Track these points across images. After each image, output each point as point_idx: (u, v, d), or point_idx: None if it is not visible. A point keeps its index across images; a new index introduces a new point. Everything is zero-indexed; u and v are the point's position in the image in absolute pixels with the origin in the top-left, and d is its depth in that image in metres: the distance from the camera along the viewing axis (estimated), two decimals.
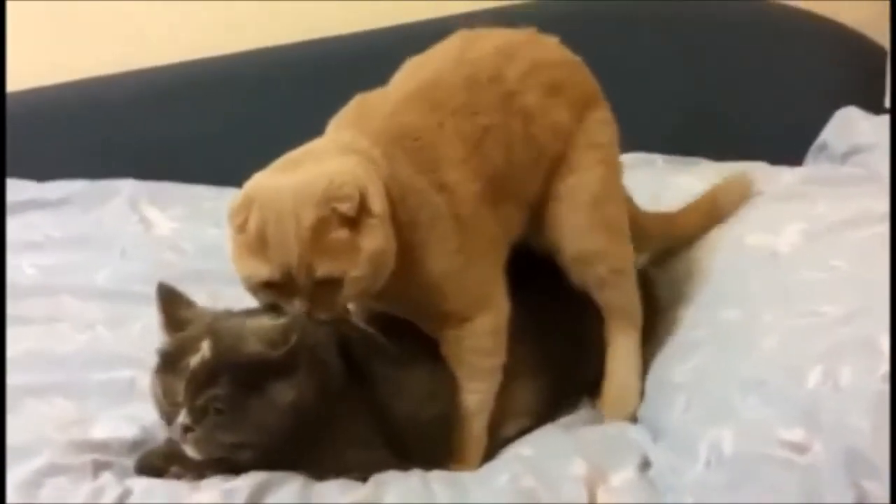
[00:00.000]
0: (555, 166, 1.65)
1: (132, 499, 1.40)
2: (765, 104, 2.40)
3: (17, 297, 1.98)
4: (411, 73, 1.64)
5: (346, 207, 1.40)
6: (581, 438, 1.59)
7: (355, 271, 1.42)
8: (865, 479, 1.22)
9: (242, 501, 1.37)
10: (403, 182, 1.50)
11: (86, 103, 2.51)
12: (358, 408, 1.48)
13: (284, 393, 1.39)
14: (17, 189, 2.37)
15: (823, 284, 1.55)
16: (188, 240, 2.23)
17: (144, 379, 1.63)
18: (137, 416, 1.58)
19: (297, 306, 1.42)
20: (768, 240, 1.72)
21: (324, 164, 1.46)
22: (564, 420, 1.68)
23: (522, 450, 1.57)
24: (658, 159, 2.25)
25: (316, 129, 1.58)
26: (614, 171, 1.71)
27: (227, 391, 1.37)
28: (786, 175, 2.01)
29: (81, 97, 2.52)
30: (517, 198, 1.61)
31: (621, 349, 1.72)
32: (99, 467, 1.48)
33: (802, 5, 2.48)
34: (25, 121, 2.45)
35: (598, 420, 1.69)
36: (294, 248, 1.40)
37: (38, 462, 1.46)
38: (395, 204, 1.47)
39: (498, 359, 1.59)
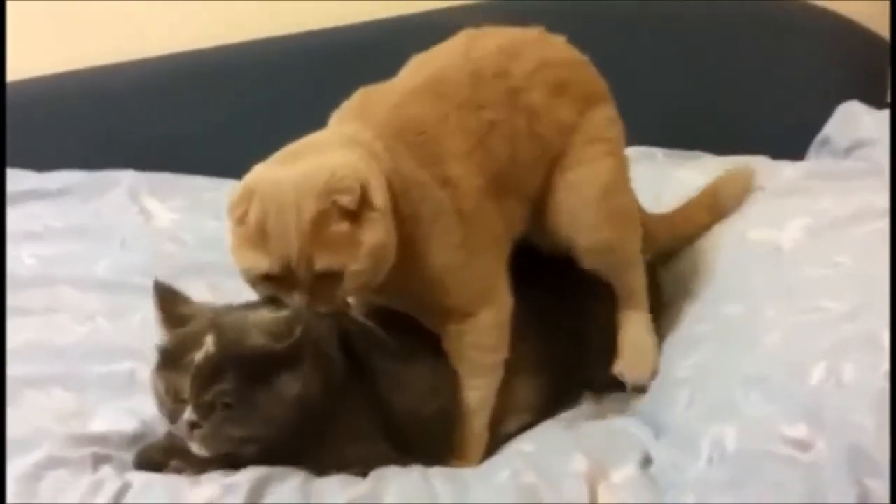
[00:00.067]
0: (557, 160, 1.64)
1: (131, 493, 1.39)
2: (766, 99, 2.40)
3: (16, 288, 1.97)
4: (417, 68, 1.63)
5: (347, 200, 1.40)
6: (582, 434, 1.58)
7: (355, 265, 1.41)
8: (868, 477, 1.22)
9: (243, 496, 1.37)
10: (406, 175, 1.49)
11: (86, 93, 2.51)
12: (359, 402, 1.47)
13: (291, 385, 1.39)
14: (17, 179, 2.37)
15: (826, 280, 1.55)
16: (188, 231, 2.22)
17: (144, 371, 1.63)
18: (137, 409, 1.57)
19: (296, 299, 1.42)
20: (771, 235, 1.72)
21: (325, 157, 1.45)
22: (565, 416, 1.67)
23: (523, 446, 1.57)
24: (658, 153, 2.25)
25: (316, 121, 1.58)
26: (622, 163, 1.71)
27: (234, 385, 1.36)
28: (788, 169, 2.00)
29: (81, 87, 2.52)
30: (519, 193, 1.61)
31: (633, 320, 1.72)
32: (98, 461, 1.47)
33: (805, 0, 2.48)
34: (25, 111, 2.45)
35: (600, 416, 1.68)
36: (294, 241, 1.39)
37: (38, 455, 1.46)
38: (398, 197, 1.47)
39: (500, 355, 1.59)
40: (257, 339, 1.38)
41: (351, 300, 1.56)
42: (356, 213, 1.41)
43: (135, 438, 1.53)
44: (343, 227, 1.41)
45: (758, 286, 1.63)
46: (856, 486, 1.22)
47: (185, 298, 1.46)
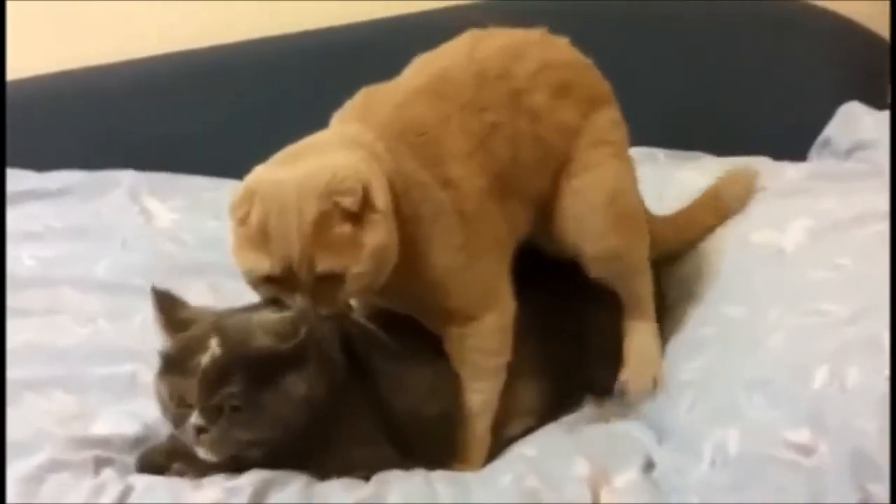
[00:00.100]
0: (563, 165, 1.63)
1: (133, 496, 1.39)
2: (767, 100, 2.40)
3: (16, 289, 1.97)
4: (420, 68, 1.63)
5: (348, 202, 1.40)
6: (584, 438, 1.58)
7: (357, 267, 1.41)
8: (871, 481, 1.22)
9: (245, 499, 1.36)
10: (408, 176, 1.49)
11: (86, 93, 2.50)
12: (361, 405, 1.47)
13: (298, 386, 1.38)
14: (17, 179, 2.36)
15: (829, 283, 1.55)
16: (189, 231, 2.21)
17: (146, 374, 1.63)
18: (139, 411, 1.57)
19: (298, 301, 1.41)
20: (774, 237, 1.72)
21: (327, 158, 1.45)
22: (567, 419, 1.67)
23: (526, 450, 1.57)
24: (660, 154, 2.25)
25: (317, 121, 1.57)
26: (627, 166, 1.71)
27: (241, 388, 1.35)
28: (790, 171, 2.00)
29: (81, 87, 2.51)
30: (523, 196, 1.60)
31: (637, 330, 1.72)
32: (100, 464, 1.47)
33: (807, 0, 2.47)
34: (25, 110, 2.45)
35: (602, 419, 1.68)
36: (295, 243, 1.39)
37: (40, 458, 1.45)
38: (399, 198, 1.47)
39: (502, 358, 1.59)
40: (263, 340, 1.38)
41: (353, 302, 1.56)
42: (358, 215, 1.41)
43: (137, 441, 1.53)
44: (345, 228, 1.41)
45: (760, 289, 1.63)
46: (858, 491, 1.22)
47: (183, 303, 1.45)
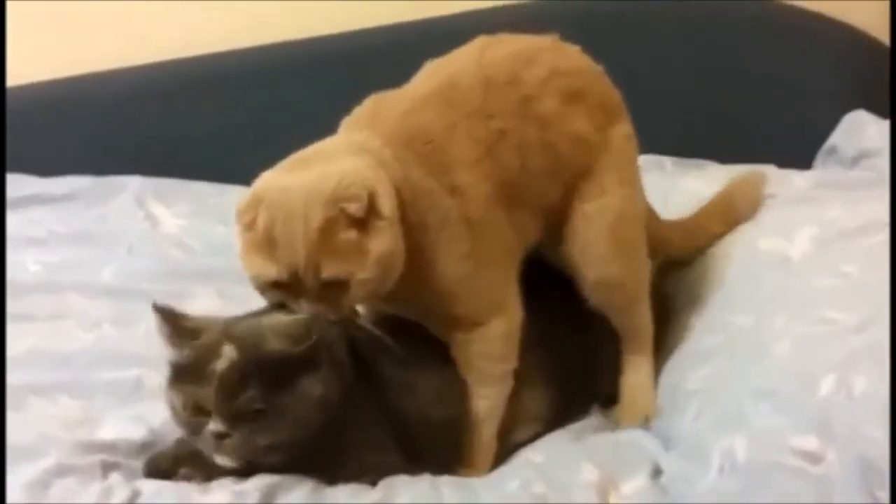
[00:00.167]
0: (579, 182, 1.63)
1: (141, 500, 1.39)
2: (772, 107, 2.39)
3: (21, 294, 1.97)
4: (429, 74, 1.62)
5: (354, 208, 1.40)
6: (592, 445, 1.58)
7: (362, 273, 1.41)
8: (880, 489, 1.21)
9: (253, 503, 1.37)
10: (415, 184, 1.49)
11: (91, 98, 2.50)
12: (368, 410, 1.47)
13: (314, 386, 1.38)
14: (22, 184, 2.35)
15: (835, 291, 1.55)
16: (195, 237, 2.21)
17: (151, 378, 1.64)
18: (145, 416, 1.57)
19: (304, 307, 1.42)
20: (781, 244, 1.72)
21: (333, 164, 1.45)
22: (574, 427, 1.67)
23: (533, 456, 1.57)
24: (667, 162, 2.25)
25: (324, 127, 1.57)
26: (635, 189, 1.70)
27: (260, 391, 1.35)
28: (797, 179, 2.00)
29: (87, 92, 2.51)
30: (532, 205, 1.60)
31: (635, 366, 1.72)
32: (107, 468, 1.47)
33: (811, 6, 2.47)
34: (29, 115, 2.45)
35: (608, 428, 1.68)
36: (301, 249, 1.39)
37: (46, 462, 1.46)
38: (406, 206, 1.47)
39: (508, 365, 1.58)
40: (276, 344, 1.38)
41: (360, 308, 1.56)
42: (364, 222, 1.41)
43: (143, 446, 1.53)
44: (350, 235, 1.41)
45: (767, 296, 1.63)
46: (867, 498, 1.21)
47: (185, 315, 1.44)
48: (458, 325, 1.55)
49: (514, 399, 1.60)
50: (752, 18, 2.47)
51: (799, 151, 2.25)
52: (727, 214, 1.87)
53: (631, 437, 1.60)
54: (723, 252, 1.81)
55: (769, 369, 1.46)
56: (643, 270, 1.71)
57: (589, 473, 1.46)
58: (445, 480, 1.48)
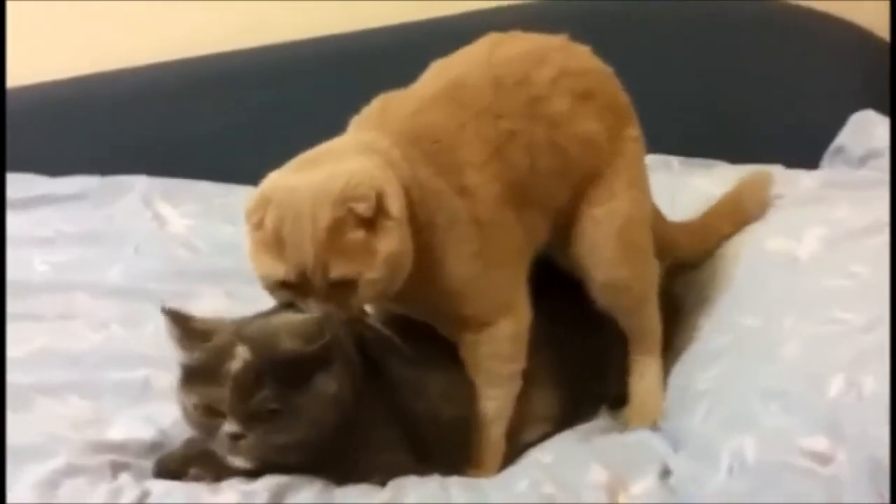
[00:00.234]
0: (588, 186, 1.63)
1: (151, 500, 1.40)
2: (780, 107, 2.39)
3: (29, 294, 1.98)
4: (438, 73, 1.62)
5: (362, 208, 1.40)
6: (601, 446, 1.58)
7: (370, 273, 1.41)
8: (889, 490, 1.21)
9: (262, 503, 1.37)
10: (423, 184, 1.49)
11: (98, 98, 2.50)
12: (377, 409, 1.47)
13: (328, 385, 1.38)
14: (30, 184, 2.36)
15: (843, 291, 1.55)
16: (202, 237, 2.21)
17: (160, 379, 1.65)
18: (153, 416, 1.58)
19: (311, 306, 1.42)
20: (789, 245, 1.72)
21: (342, 164, 1.45)
22: (583, 427, 1.67)
23: (542, 456, 1.57)
24: (674, 161, 2.24)
25: (327, 126, 1.57)
26: (643, 191, 1.70)
27: (275, 391, 1.35)
28: (804, 179, 2.00)
29: (94, 92, 2.51)
30: (542, 205, 1.60)
31: (644, 367, 1.71)
32: (117, 468, 1.47)
33: (818, 6, 2.47)
34: (36, 115, 2.46)
35: (617, 429, 1.68)
36: (309, 249, 1.39)
37: (56, 462, 1.46)
38: (415, 206, 1.47)
39: (517, 365, 1.58)
40: (290, 343, 1.38)
41: (369, 308, 1.56)
42: (372, 221, 1.41)
43: (153, 446, 1.53)
44: (358, 234, 1.41)
45: (775, 297, 1.63)
46: (877, 498, 1.21)
47: (194, 317, 1.43)
48: (466, 325, 1.55)
49: (522, 399, 1.60)
50: (759, 18, 2.47)
51: (806, 151, 2.25)
52: (735, 215, 1.86)
53: (639, 438, 1.60)
54: (731, 253, 1.81)
55: (778, 370, 1.46)
56: (651, 272, 1.71)
57: (598, 474, 1.46)
58: (454, 481, 1.48)
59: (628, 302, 1.69)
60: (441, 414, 1.53)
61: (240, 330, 1.40)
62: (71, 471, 1.45)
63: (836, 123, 2.27)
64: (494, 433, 1.58)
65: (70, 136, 2.48)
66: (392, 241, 1.42)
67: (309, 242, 1.39)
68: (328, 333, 1.37)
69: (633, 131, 1.69)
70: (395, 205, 1.42)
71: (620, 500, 1.42)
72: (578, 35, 1.69)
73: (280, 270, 1.41)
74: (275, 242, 1.41)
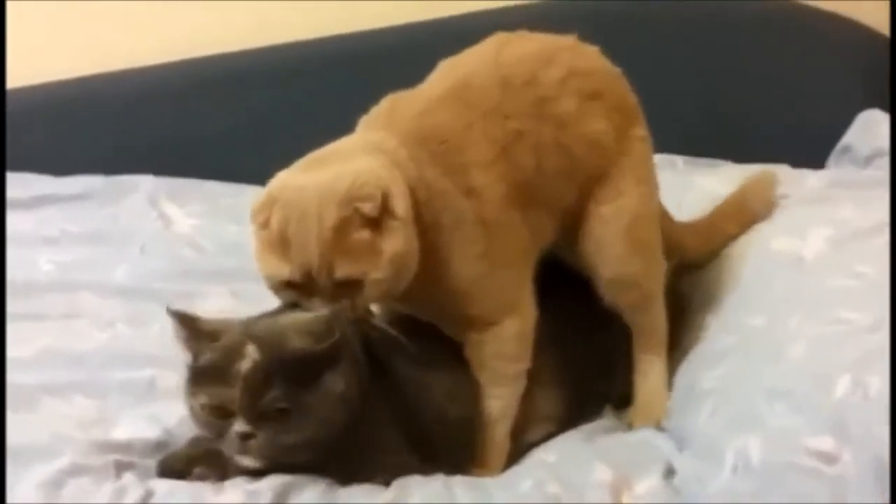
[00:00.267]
0: (595, 185, 1.63)
1: (155, 500, 1.39)
2: (785, 106, 2.39)
3: (34, 293, 1.99)
4: (445, 73, 1.62)
5: (368, 208, 1.40)
6: (605, 445, 1.58)
7: (376, 273, 1.41)
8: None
9: (266, 503, 1.37)
10: (430, 184, 1.49)
11: (104, 98, 2.51)
12: (381, 409, 1.47)
13: (337, 383, 1.38)
14: (35, 184, 2.37)
15: (849, 291, 1.54)
16: (207, 237, 2.22)
17: (165, 378, 1.65)
18: (158, 416, 1.57)
19: (317, 306, 1.42)
20: (794, 244, 1.71)
21: (348, 164, 1.45)
22: (587, 427, 1.67)
23: (546, 456, 1.57)
24: (678, 161, 2.25)
25: (333, 126, 1.57)
26: (651, 189, 1.70)
27: (285, 390, 1.35)
28: (811, 178, 2.00)
29: (99, 92, 2.52)
30: (548, 206, 1.59)
31: (649, 366, 1.71)
32: (121, 468, 1.47)
33: (824, 6, 2.47)
34: (41, 115, 2.47)
35: (621, 428, 1.68)
36: (315, 249, 1.39)
37: (61, 462, 1.45)
38: (421, 206, 1.47)
39: (521, 364, 1.58)
40: (299, 342, 1.38)
41: (375, 308, 1.56)
42: (377, 221, 1.41)
43: (157, 445, 1.52)
44: (364, 235, 1.41)
45: (781, 297, 1.62)
46: (882, 499, 1.20)
47: (201, 318, 1.43)
48: (471, 325, 1.55)
49: (527, 399, 1.60)
50: (764, 17, 2.47)
51: (812, 151, 2.24)
52: (741, 215, 1.86)
53: (644, 437, 1.60)
54: (737, 252, 1.80)
55: (784, 370, 1.45)
56: (658, 270, 1.71)
57: (602, 473, 1.45)
58: (458, 480, 1.47)
59: (636, 299, 1.68)
60: (446, 413, 1.53)
61: (248, 329, 1.40)
62: (75, 470, 1.44)
63: (842, 123, 2.26)
64: (499, 433, 1.58)
65: (76, 137, 2.48)
66: (397, 242, 1.42)
67: (314, 242, 1.39)
68: (338, 332, 1.37)
69: (641, 131, 1.69)
70: (401, 205, 1.42)
71: (624, 500, 1.42)
72: (583, 35, 1.68)
73: (285, 270, 1.41)
74: (280, 242, 1.41)
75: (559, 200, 1.61)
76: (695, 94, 2.42)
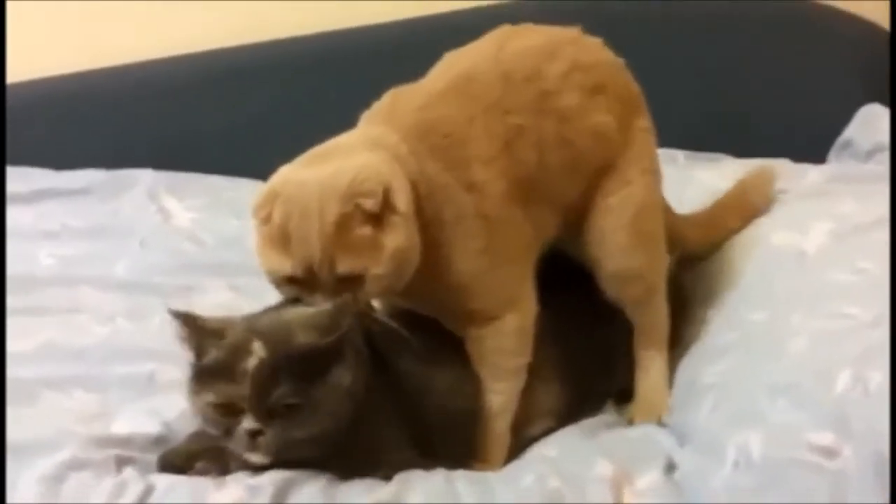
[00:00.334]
0: (600, 178, 1.63)
1: (155, 495, 1.39)
2: (786, 101, 2.40)
3: (35, 287, 1.99)
4: (447, 66, 1.61)
5: (369, 203, 1.40)
6: (606, 440, 1.58)
7: (377, 268, 1.41)
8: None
9: (267, 498, 1.36)
10: (431, 179, 1.49)
11: (104, 92, 2.51)
12: (383, 403, 1.47)
13: (343, 377, 1.38)
14: (35, 178, 2.37)
15: (851, 286, 1.54)
16: (207, 231, 2.22)
17: (165, 373, 1.65)
18: (159, 410, 1.57)
19: (318, 301, 1.42)
20: (795, 239, 1.71)
21: (350, 159, 1.45)
22: (588, 422, 1.67)
23: (547, 451, 1.57)
24: (679, 155, 2.25)
25: (334, 122, 1.57)
26: (655, 181, 1.70)
27: (294, 386, 1.35)
28: (812, 173, 2.00)
29: (99, 87, 2.52)
30: (551, 201, 1.59)
31: (650, 361, 1.71)
32: (122, 462, 1.47)
33: (826, 2, 2.47)
34: (43, 110, 2.47)
35: (622, 424, 1.68)
36: (316, 244, 1.39)
37: (62, 456, 1.45)
38: (422, 201, 1.47)
39: (522, 359, 1.58)
40: (305, 337, 1.38)
41: (376, 302, 1.56)
42: (379, 217, 1.41)
43: (158, 440, 1.52)
44: (365, 230, 1.41)
45: (782, 292, 1.62)
46: (882, 494, 1.21)
47: (203, 317, 1.42)
48: (472, 319, 1.55)
49: (527, 393, 1.60)
50: (765, 13, 2.47)
51: (813, 146, 2.25)
52: (742, 209, 1.86)
53: (645, 432, 1.60)
54: (738, 246, 1.80)
55: (785, 365, 1.45)
56: (661, 263, 1.71)
57: (603, 468, 1.45)
58: (460, 475, 1.47)
59: (639, 293, 1.68)
60: (447, 408, 1.53)
61: (253, 326, 1.39)
62: (76, 465, 1.44)
63: (842, 117, 2.27)
64: (500, 427, 1.58)
65: (76, 131, 2.48)
66: (399, 237, 1.42)
67: (316, 237, 1.39)
68: (343, 325, 1.37)
69: (644, 122, 1.69)
70: (402, 200, 1.42)
71: (625, 495, 1.42)
72: (585, 31, 1.68)
73: (287, 265, 1.41)
74: (282, 237, 1.41)
75: (562, 196, 1.60)
76: (696, 89, 2.42)
